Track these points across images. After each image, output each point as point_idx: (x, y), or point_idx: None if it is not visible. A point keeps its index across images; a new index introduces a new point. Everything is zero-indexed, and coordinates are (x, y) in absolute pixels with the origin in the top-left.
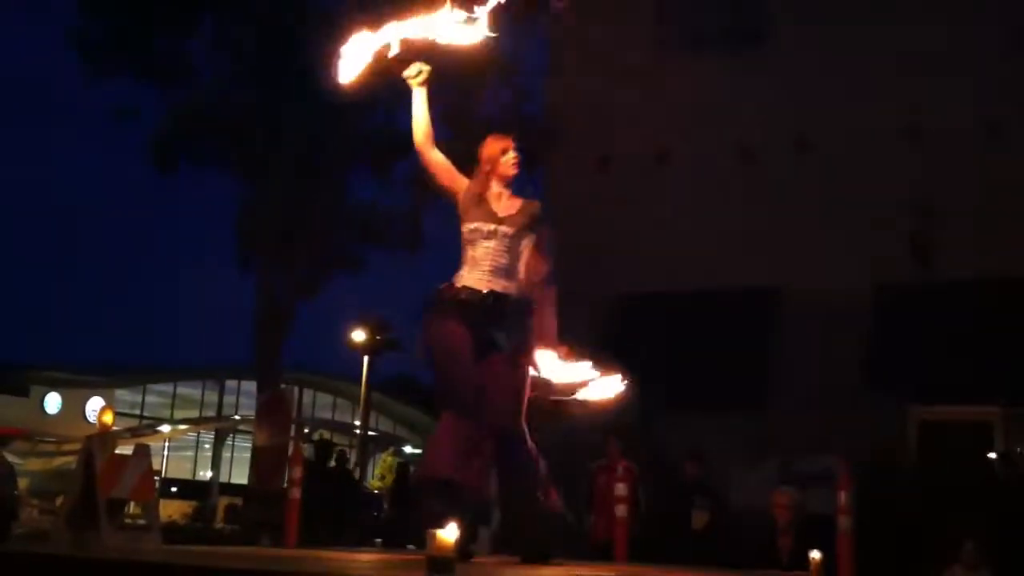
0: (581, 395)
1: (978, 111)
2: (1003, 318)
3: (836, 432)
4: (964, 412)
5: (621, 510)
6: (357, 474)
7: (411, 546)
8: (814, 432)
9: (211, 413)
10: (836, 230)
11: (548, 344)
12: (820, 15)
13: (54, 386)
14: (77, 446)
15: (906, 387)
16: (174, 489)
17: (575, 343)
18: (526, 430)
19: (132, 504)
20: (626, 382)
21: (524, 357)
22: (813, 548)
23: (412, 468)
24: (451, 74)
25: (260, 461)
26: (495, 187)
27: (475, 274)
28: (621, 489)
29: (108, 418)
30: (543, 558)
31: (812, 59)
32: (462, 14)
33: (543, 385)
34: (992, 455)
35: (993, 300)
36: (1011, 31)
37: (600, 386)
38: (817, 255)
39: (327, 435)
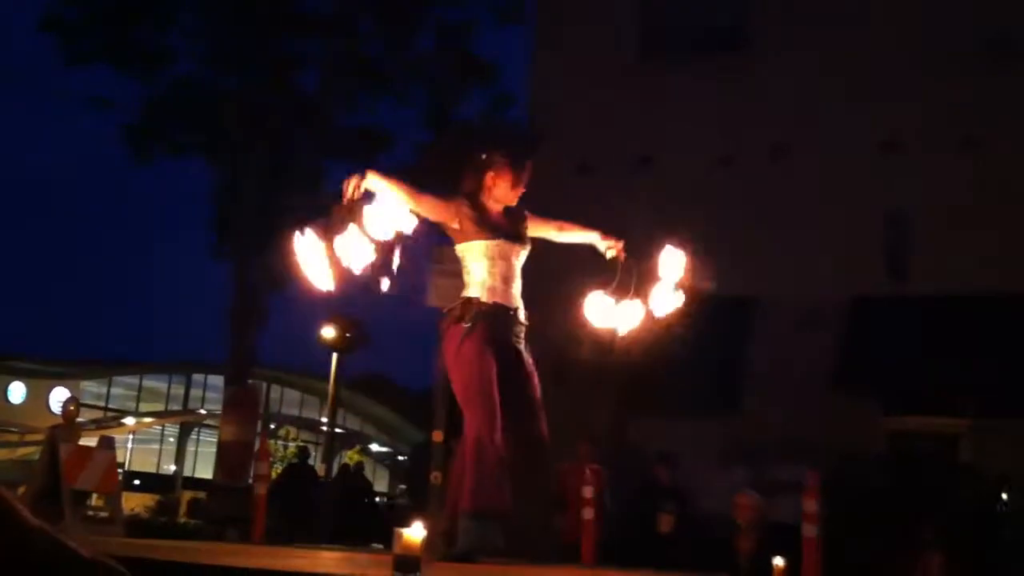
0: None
1: (956, 124)
2: (973, 332)
3: (807, 440)
4: (932, 423)
5: (588, 513)
6: (323, 471)
7: (378, 544)
8: (785, 440)
9: (177, 406)
10: (813, 240)
11: None
12: (800, 25)
13: (19, 376)
14: (41, 436)
15: (877, 397)
16: (137, 482)
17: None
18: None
19: (95, 496)
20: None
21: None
22: (775, 555)
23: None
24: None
25: (225, 456)
26: (493, 201)
27: (502, 289)
28: (588, 492)
29: (73, 409)
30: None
31: (792, 68)
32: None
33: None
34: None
35: (965, 314)
36: (990, 44)
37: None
38: (793, 264)
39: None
